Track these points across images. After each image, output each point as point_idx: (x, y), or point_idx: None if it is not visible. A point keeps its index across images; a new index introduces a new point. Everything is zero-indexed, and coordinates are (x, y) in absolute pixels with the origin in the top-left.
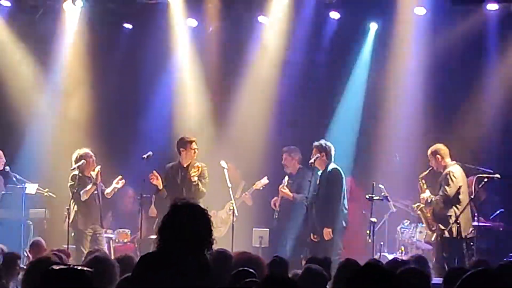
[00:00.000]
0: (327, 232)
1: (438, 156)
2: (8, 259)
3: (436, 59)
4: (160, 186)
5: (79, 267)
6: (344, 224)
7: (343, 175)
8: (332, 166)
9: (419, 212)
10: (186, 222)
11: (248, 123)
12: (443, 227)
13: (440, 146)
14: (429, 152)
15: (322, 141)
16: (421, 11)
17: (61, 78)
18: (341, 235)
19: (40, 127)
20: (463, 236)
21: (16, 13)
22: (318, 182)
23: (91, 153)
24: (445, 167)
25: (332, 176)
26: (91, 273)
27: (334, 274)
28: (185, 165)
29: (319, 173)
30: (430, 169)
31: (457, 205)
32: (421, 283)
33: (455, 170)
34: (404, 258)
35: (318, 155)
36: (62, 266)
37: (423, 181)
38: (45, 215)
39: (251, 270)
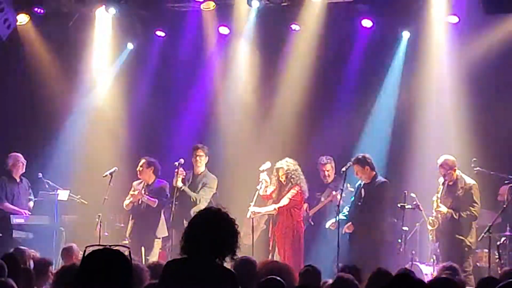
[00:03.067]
0: (350, 225)
1: (455, 168)
2: (40, 265)
3: (469, 67)
4: (175, 184)
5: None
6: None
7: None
8: (380, 178)
9: (429, 226)
10: (209, 230)
11: (278, 131)
12: (467, 238)
13: (452, 158)
14: (442, 163)
15: (360, 156)
16: (453, 19)
17: (93, 85)
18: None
19: (72, 134)
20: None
21: (49, 20)
22: (363, 193)
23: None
24: (456, 178)
25: (380, 188)
26: (128, 248)
27: (366, 284)
28: (195, 173)
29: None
30: (443, 183)
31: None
32: None
33: (475, 183)
34: (436, 267)
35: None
36: (98, 247)
37: (439, 198)
38: (77, 221)
39: (279, 278)
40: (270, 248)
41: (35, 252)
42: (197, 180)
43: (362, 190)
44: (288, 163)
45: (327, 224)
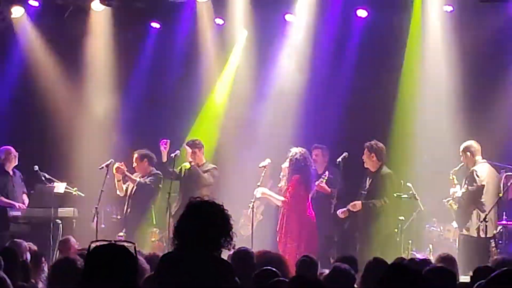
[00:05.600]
0: (358, 204)
1: (468, 153)
2: (35, 257)
3: (463, 56)
4: (164, 159)
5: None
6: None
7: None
8: (385, 169)
9: (448, 206)
10: (201, 221)
11: (274, 122)
12: (465, 226)
13: (471, 143)
14: (461, 148)
15: (373, 142)
16: (448, 8)
17: (89, 78)
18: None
19: (68, 126)
20: (486, 236)
21: (44, 13)
22: (369, 182)
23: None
24: (474, 164)
25: (384, 179)
26: (133, 243)
27: (362, 273)
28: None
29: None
30: (461, 165)
31: (480, 205)
32: (448, 282)
33: (481, 169)
34: (432, 256)
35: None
36: (103, 243)
37: (454, 176)
38: (74, 214)
39: (275, 269)
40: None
41: (32, 245)
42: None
43: (367, 179)
44: (296, 151)
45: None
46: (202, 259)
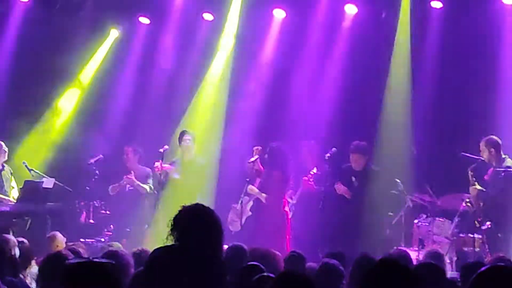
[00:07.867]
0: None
1: (493, 149)
2: (24, 253)
3: (452, 52)
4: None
5: (98, 260)
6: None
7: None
8: (372, 166)
9: (468, 204)
10: (200, 220)
11: (263, 117)
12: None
13: (496, 139)
14: (483, 143)
15: (364, 143)
16: (437, 4)
17: (78, 73)
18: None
19: (57, 121)
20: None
21: (34, 8)
22: (354, 180)
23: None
24: (499, 160)
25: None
26: (112, 265)
27: (350, 270)
28: (186, 160)
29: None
30: (479, 161)
31: None
32: (437, 278)
33: None
34: (421, 252)
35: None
36: (80, 260)
37: (472, 172)
38: (62, 209)
39: (262, 265)
40: None
41: (21, 240)
42: (190, 165)
43: (353, 177)
44: (273, 146)
45: None
46: (194, 256)
